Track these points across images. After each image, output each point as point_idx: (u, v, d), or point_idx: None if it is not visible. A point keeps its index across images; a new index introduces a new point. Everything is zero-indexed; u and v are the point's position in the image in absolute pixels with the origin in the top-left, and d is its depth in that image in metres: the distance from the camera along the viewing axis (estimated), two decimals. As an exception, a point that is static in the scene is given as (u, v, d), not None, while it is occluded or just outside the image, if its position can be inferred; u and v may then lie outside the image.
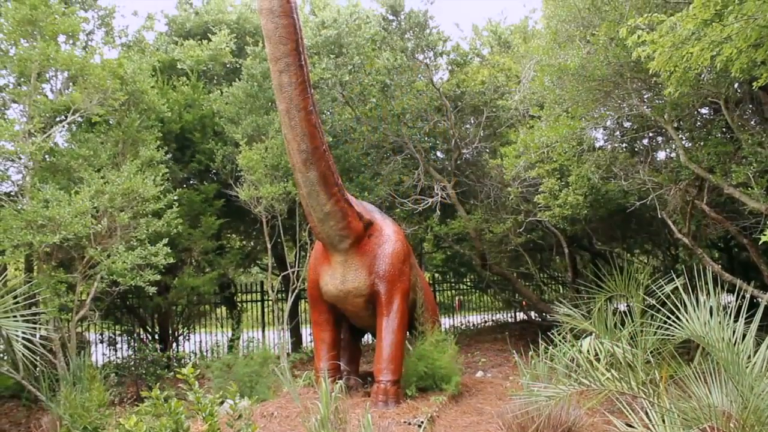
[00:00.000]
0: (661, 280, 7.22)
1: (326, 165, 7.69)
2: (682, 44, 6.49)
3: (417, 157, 14.06)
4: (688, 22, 6.34)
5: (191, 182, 13.99)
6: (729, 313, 5.42)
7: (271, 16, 7.03)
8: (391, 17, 13.76)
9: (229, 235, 17.04)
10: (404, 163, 14.64)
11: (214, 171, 13.92)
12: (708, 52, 6.50)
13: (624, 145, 12.33)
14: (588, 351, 6.79)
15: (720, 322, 5.35)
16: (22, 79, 11.09)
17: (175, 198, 11.03)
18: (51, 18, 10.45)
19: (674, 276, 7.13)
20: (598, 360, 6.59)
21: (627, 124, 12.15)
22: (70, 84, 11.27)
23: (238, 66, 15.45)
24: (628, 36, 6.91)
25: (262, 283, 17.41)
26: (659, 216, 10.74)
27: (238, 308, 16.58)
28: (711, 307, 5.51)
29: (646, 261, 18.67)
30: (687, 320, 5.68)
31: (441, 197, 13.73)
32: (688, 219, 10.47)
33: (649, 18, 6.61)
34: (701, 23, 6.41)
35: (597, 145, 12.17)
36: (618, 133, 12.33)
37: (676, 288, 6.00)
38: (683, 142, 10.55)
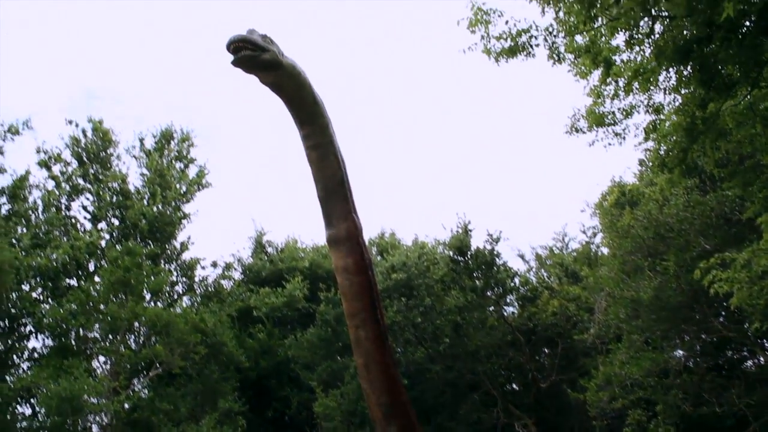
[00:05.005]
0: None
1: (407, 419, 7.47)
2: (760, 279, 6.46)
3: (494, 394, 13.69)
4: (762, 258, 6.36)
5: (267, 431, 13.82)
6: None
7: (345, 273, 7.18)
8: (458, 258, 14.16)
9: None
10: (481, 400, 14.24)
11: (288, 417, 13.79)
12: (787, 282, 6.44)
13: (708, 360, 11.81)
14: None
15: None
16: (110, 330, 11.69)
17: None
18: (141, 278, 11.21)
19: None
20: None
21: (707, 337, 11.72)
22: (154, 336, 11.75)
23: (312, 311, 15.86)
24: (704, 277, 6.90)
25: None
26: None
27: None
28: None
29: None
30: None
31: (523, 436, 13.14)
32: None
33: (721, 257, 6.67)
34: (775, 256, 6.42)
35: (678, 360, 11.70)
36: (698, 347, 11.87)
37: None
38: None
